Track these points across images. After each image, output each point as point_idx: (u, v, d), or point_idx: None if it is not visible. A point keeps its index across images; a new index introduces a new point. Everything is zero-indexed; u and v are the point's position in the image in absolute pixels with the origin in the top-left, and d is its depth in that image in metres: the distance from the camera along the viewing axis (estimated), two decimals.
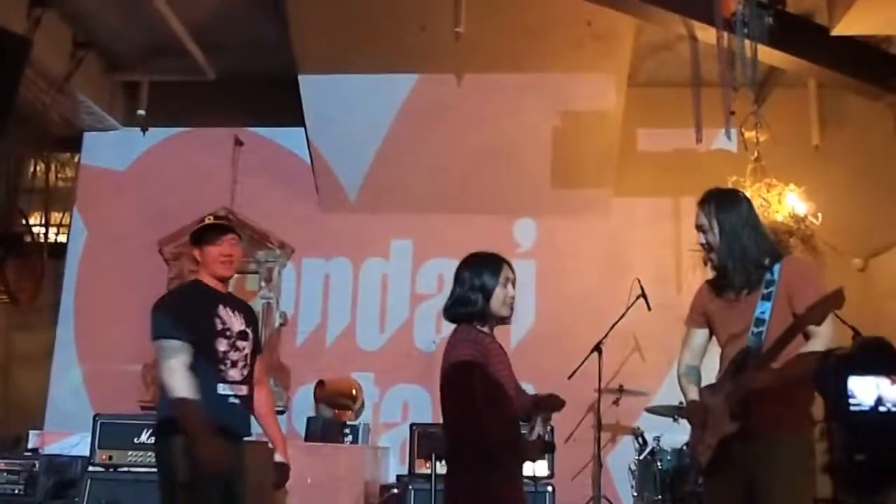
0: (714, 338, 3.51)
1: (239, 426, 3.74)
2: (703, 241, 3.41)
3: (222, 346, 3.71)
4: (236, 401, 3.70)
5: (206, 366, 3.64)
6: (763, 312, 3.21)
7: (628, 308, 6.63)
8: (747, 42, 5.25)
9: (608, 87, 7.21)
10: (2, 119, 5.70)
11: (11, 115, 5.74)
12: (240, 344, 3.76)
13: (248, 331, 3.84)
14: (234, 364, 3.71)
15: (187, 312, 3.69)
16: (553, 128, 7.41)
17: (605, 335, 6.50)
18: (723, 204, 3.40)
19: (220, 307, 3.78)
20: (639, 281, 6.66)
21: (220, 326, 3.72)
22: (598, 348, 6.46)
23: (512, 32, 6.76)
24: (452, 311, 3.31)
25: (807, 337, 3.13)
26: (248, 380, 3.77)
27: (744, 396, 3.12)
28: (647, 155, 7.91)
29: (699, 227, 3.42)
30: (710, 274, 3.50)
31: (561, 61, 7.00)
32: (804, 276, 3.26)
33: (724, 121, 5.74)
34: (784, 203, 6.66)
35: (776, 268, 3.26)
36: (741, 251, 3.29)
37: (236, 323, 3.81)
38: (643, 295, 6.62)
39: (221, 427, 3.57)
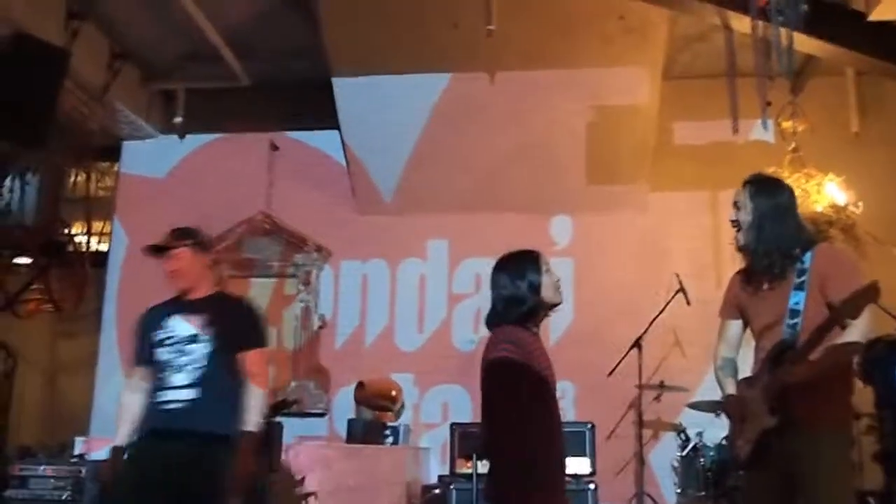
0: (748, 329, 3.47)
1: (177, 426, 3.69)
2: (734, 218, 3.37)
3: (164, 355, 3.80)
4: (179, 405, 3.71)
5: (154, 376, 3.80)
6: (797, 303, 3.16)
7: (668, 303, 6.57)
8: (783, 30, 5.16)
9: (642, 81, 7.16)
10: (43, 130, 5.81)
11: (52, 126, 5.85)
12: (188, 348, 3.79)
13: (204, 332, 3.83)
14: (180, 369, 3.75)
15: (141, 334, 3.97)
16: (587, 123, 7.37)
17: (645, 331, 6.45)
18: (764, 187, 3.37)
19: (173, 317, 3.89)
20: (677, 276, 6.61)
21: (160, 337, 3.84)
22: (637, 344, 6.41)
23: (543, 29, 6.74)
24: (505, 313, 3.22)
25: (842, 326, 3.08)
26: (202, 382, 3.75)
27: (782, 390, 3.08)
28: (684, 148, 7.83)
29: (735, 204, 3.39)
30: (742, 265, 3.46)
31: (594, 56, 6.96)
32: (837, 264, 3.21)
33: (760, 111, 5.66)
34: (823, 193, 6.57)
35: (808, 256, 3.20)
36: (772, 236, 3.24)
37: (186, 328, 3.84)
38: (682, 290, 6.57)
39: (154, 430, 3.71)
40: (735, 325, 3.49)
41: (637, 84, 7.17)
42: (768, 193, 3.33)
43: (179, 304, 3.98)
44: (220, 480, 3.64)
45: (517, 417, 3.04)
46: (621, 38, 6.76)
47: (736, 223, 3.36)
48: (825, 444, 3.05)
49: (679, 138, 7.89)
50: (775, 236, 3.24)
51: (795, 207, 3.39)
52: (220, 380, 3.80)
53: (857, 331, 3.04)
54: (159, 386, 3.77)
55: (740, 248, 3.38)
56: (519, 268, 3.28)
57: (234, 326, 3.93)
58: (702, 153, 7.68)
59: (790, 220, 3.30)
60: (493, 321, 3.24)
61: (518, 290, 3.22)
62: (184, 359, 3.78)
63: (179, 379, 3.76)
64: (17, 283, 7.31)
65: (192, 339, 3.83)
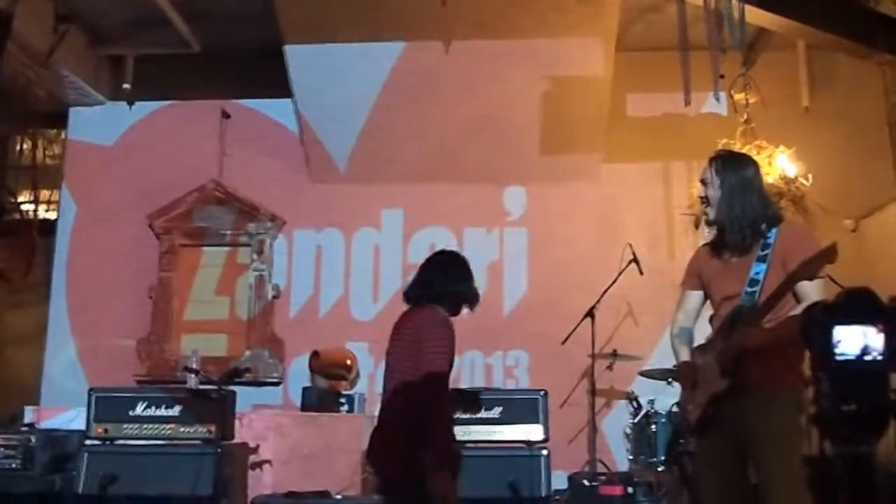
0: (708, 301, 3.53)
1: None
2: (703, 195, 3.43)
3: None
4: None
5: None
6: (758, 273, 3.23)
7: (620, 273, 6.65)
8: (735, 3, 5.22)
9: (596, 52, 7.17)
10: None
11: None
12: None
13: None
14: None
15: None
16: (541, 94, 7.37)
17: (598, 300, 6.52)
18: (730, 163, 3.43)
19: None
20: (630, 246, 6.68)
21: None
22: (590, 314, 6.47)
23: None
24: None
25: (798, 300, 3.14)
26: None
27: (736, 354, 3.14)
28: (637, 120, 7.88)
29: (702, 181, 3.44)
30: (705, 237, 3.52)
31: (548, 26, 6.95)
32: (801, 240, 3.27)
33: (713, 84, 5.73)
34: (774, 165, 6.66)
35: (773, 231, 3.27)
36: (740, 210, 3.30)
37: None
38: (635, 260, 6.64)
39: None
40: (695, 296, 3.56)
41: (591, 55, 7.18)
42: (735, 168, 3.39)
43: None
44: None
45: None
46: (576, 8, 6.75)
47: (704, 199, 3.42)
48: (775, 406, 3.12)
49: (632, 110, 7.94)
50: (743, 210, 3.30)
51: (761, 181, 3.46)
52: None
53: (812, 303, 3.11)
54: None
55: (710, 223, 3.44)
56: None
57: None
58: (655, 125, 7.74)
59: (757, 194, 3.36)
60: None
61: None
62: None
63: None
64: None
65: None
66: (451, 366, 3.59)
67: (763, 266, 3.23)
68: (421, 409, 3.45)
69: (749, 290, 3.22)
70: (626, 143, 7.70)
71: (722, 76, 5.86)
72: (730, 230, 3.33)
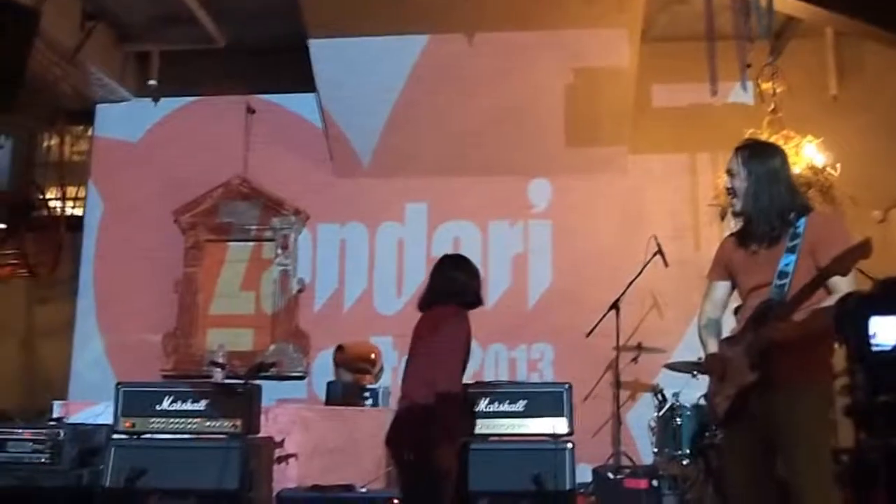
0: (735, 292, 3.49)
1: None
2: (730, 186, 3.38)
3: None
4: None
5: None
6: (787, 265, 3.18)
7: (645, 265, 6.60)
8: None
9: (621, 43, 7.12)
10: (14, 92, 5.69)
11: (23, 89, 5.73)
12: None
13: None
14: None
15: None
16: (566, 85, 7.32)
17: (623, 293, 6.48)
18: (757, 153, 3.38)
19: None
20: (655, 238, 6.63)
21: None
22: (615, 306, 6.43)
23: None
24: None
25: (829, 292, 3.10)
26: None
27: (765, 347, 3.10)
28: (663, 111, 7.81)
29: (729, 172, 3.40)
30: (731, 228, 3.48)
31: (573, 17, 6.91)
32: (830, 230, 3.21)
33: (739, 73, 5.66)
34: (802, 155, 6.58)
35: (802, 221, 3.22)
36: (767, 200, 3.26)
37: None
38: (660, 251, 6.59)
39: None
40: (723, 287, 3.51)
41: (617, 46, 7.12)
42: (761, 158, 3.34)
43: None
44: None
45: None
46: None
47: (731, 190, 3.38)
48: (804, 399, 3.08)
49: (658, 101, 7.87)
50: (771, 200, 3.26)
51: (789, 171, 3.40)
52: None
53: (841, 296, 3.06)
54: None
55: (737, 214, 3.39)
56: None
57: None
58: (680, 115, 7.67)
59: (785, 185, 3.31)
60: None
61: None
62: None
63: None
64: None
65: None
66: (467, 355, 3.94)
67: (792, 257, 3.18)
68: (432, 393, 3.76)
69: (779, 282, 3.18)
70: (651, 135, 7.64)
71: (749, 65, 5.79)
72: (757, 221, 3.29)
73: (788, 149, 6.55)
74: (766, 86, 6.71)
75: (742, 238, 3.40)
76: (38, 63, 6.50)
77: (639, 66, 7.28)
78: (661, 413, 6.37)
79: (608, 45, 7.13)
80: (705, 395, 3.81)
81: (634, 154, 7.70)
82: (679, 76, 7.51)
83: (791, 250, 3.19)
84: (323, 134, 8.00)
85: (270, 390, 6.17)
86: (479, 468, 4.91)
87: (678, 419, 6.11)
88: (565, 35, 7.05)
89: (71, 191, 8.38)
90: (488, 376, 7.23)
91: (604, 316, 6.43)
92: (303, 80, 7.67)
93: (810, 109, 7.01)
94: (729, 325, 3.47)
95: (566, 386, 5.39)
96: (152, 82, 8.25)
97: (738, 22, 5.46)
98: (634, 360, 6.82)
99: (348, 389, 6.93)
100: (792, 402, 3.08)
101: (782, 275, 3.18)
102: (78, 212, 8.47)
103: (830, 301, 3.06)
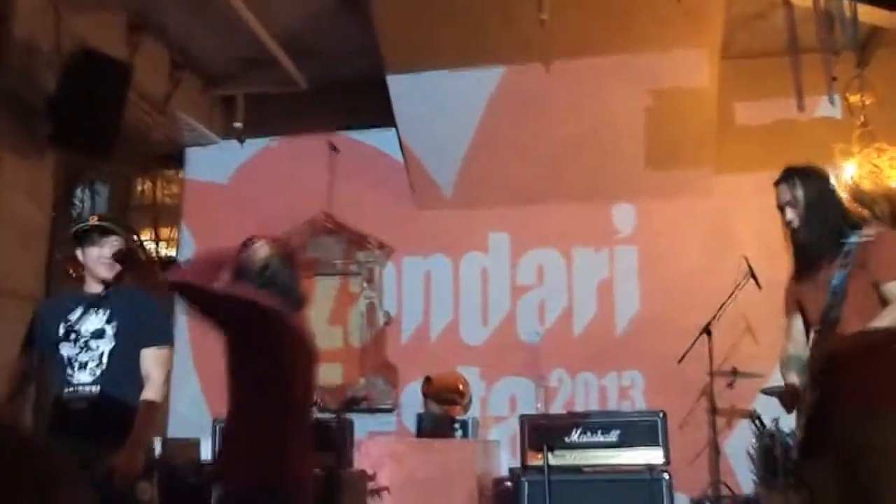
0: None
1: (82, 432, 3.53)
2: (789, 219, 3.31)
3: (66, 350, 3.67)
4: (83, 405, 3.59)
5: (55, 372, 3.68)
6: (839, 283, 3.11)
7: (738, 287, 6.44)
8: (846, 1, 5.02)
9: (701, 63, 7.02)
10: (110, 141, 5.95)
11: (119, 138, 5.99)
12: (93, 343, 3.67)
13: (108, 328, 3.70)
14: (83, 366, 3.64)
15: (42, 319, 3.79)
16: (646, 108, 7.25)
17: (714, 316, 6.34)
18: (802, 178, 3.33)
19: (79, 309, 3.73)
20: (746, 259, 6.47)
21: (63, 331, 3.69)
22: (707, 330, 6.30)
23: (597, 15, 6.65)
24: None
25: (885, 302, 3.00)
26: (104, 379, 3.63)
27: (826, 363, 3.01)
28: (747, 129, 7.66)
29: (785, 204, 3.32)
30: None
31: (650, 40, 6.85)
32: (882, 245, 3.15)
33: (826, 87, 5.52)
34: None
35: (852, 238, 3.15)
36: (822, 224, 3.21)
37: (93, 322, 3.71)
38: (752, 273, 6.43)
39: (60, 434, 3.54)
40: (799, 321, 3.43)
41: (696, 66, 7.03)
42: (808, 183, 3.29)
43: (87, 298, 3.83)
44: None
45: None
46: (677, 20, 6.63)
47: (790, 223, 3.32)
48: (881, 425, 2.95)
49: (741, 119, 7.72)
50: (824, 223, 3.20)
51: (836, 191, 3.34)
52: (121, 379, 3.69)
53: (889, 317, 2.96)
54: (67, 382, 3.68)
55: (801, 245, 3.34)
56: None
57: (128, 325, 3.77)
58: (766, 133, 7.50)
59: (836, 205, 3.25)
60: None
61: None
62: (86, 355, 3.67)
63: (81, 378, 3.68)
64: None
65: (98, 334, 3.71)
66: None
67: (843, 273, 3.10)
68: None
69: (832, 301, 3.10)
70: (737, 154, 7.48)
71: (835, 78, 5.65)
72: (812, 246, 3.22)
73: (882, 162, 6.36)
74: (855, 98, 6.53)
75: (800, 268, 3.33)
76: (132, 113, 6.77)
77: (720, 85, 7.16)
78: (759, 440, 6.18)
79: (686, 66, 7.04)
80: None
81: (720, 174, 7.56)
82: (762, 92, 7.37)
83: (843, 266, 3.11)
84: (404, 167, 8.11)
85: (361, 423, 6.23)
86: (573, 502, 4.86)
87: (778, 446, 5.92)
88: (643, 58, 7.00)
89: (164, 232, 8.67)
90: (579, 406, 7.15)
91: (696, 340, 6.30)
92: (383, 116, 7.79)
93: None
94: None
95: (660, 414, 5.31)
96: (238, 125, 8.50)
97: (822, 34, 5.32)
98: (730, 385, 6.62)
99: (438, 421, 6.95)
100: (868, 426, 2.95)
101: (835, 293, 3.08)
102: (171, 252, 8.74)
103: (880, 322, 2.95)
